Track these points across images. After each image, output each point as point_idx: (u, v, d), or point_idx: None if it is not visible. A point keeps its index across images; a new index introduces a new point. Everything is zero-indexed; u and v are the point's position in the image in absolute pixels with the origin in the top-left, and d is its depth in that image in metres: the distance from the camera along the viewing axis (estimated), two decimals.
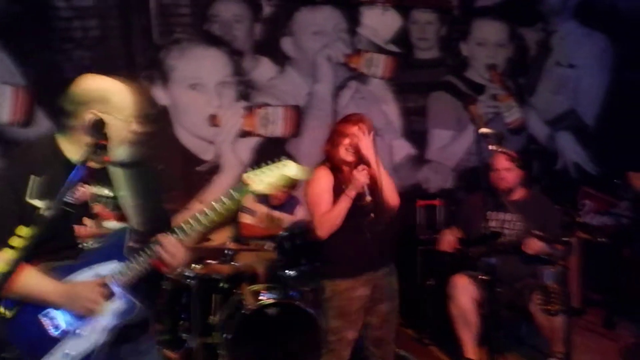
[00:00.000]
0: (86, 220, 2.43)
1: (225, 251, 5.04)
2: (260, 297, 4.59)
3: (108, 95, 2.45)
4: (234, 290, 4.80)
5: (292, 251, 4.80)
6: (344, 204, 3.78)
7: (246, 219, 5.52)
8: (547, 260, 4.68)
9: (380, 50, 6.67)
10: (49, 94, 5.51)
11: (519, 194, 4.97)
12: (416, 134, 6.85)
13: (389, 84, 6.72)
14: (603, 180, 7.02)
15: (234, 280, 4.90)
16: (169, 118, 5.99)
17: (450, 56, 6.94)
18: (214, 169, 6.17)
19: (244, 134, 6.25)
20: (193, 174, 6.10)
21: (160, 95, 5.95)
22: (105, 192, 2.50)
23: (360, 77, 6.63)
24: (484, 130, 3.07)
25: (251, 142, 6.27)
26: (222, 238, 5.02)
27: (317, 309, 4.41)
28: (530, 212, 4.84)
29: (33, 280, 2.32)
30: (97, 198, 2.48)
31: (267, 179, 2.55)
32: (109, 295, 2.42)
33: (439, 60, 6.91)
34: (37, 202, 2.29)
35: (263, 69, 6.32)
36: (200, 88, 6.10)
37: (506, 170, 4.83)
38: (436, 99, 6.90)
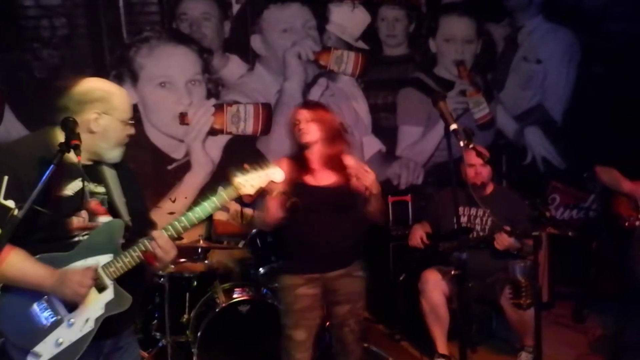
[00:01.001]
0: (81, 214, 2.53)
1: (198, 249, 5.03)
2: (233, 295, 4.61)
3: (109, 97, 2.59)
4: (207, 289, 4.81)
5: (263, 249, 4.80)
6: (267, 203, 3.68)
7: (220, 215, 5.52)
8: (517, 254, 4.74)
9: (349, 47, 6.69)
10: (18, 93, 5.54)
11: (488, 189, 5.04)
12: (386, 131, 6.87)
13: (359, 80, 6.74)
14: (571, 175, 7.13)
15: (206, 278, 4.91)
16: (139, 116, 5.95)
17: (419, 53, 6.97)
18: (185, 167, 6.15)
19: (214, 132, 6.22)
20: (163, 173, 6.08)
21: (130, 93, 5.86)
22: (99, 189, 2.62)
23: (330, 74, 6.63)
24: (454, 126, 3.08)
25: (221, 140, 6.25)
26: (193, 236, 5.01)
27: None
28: (499, 206, 4.90)
29: (26, 264, 2.39)
30: (92, 194, 2.57)
31: (256, 183, 2.78)
32: (100, 286, 2.50)
33: (407, 57, 6.93)
34: (9, 203, 2.35)
35: (233, 67, 6.30)
36: (169, 86, 6.07)
37: (482, 166, 4.87)
38: (405, 95, 6.92)
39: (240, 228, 5.48)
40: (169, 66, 6.07)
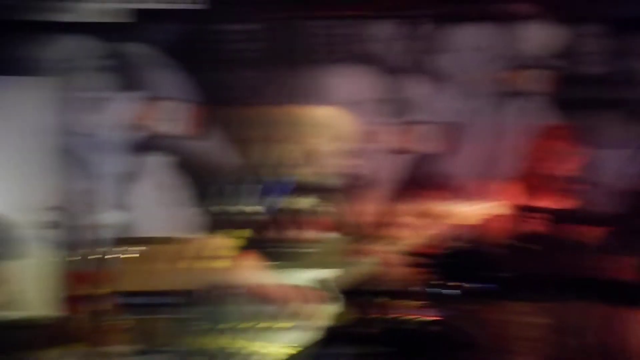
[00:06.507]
0: (308, 229, 2.64)
1: None
2: (418, 314, 4.56)
3: (330, 123, 2.71)
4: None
5: (454, 268, 4.71)
6: None
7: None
8: None
9: (540, 65, 6.50)
10: (219, 110, 5.85)
11: None
12: None
13: (551, 99, 6.48)
14: None
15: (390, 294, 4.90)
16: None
17: (621, 71, 6.59)
18: (369, 184, 6.22)
19: (399, 150, 6.26)
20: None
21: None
22: (324, 207, 2.75)
23: (520, 94, 6.48)
24: None
25: (406, 159, 6.27)
26: None
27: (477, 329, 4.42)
28: None
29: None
30: (317, 211, 2.73)
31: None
32: (324, 299, 2.69)
33: (607, 75, 6.58)
34: (248, 208, 2.49)
35: (418, 87, 6.36)
36: (355, 106, 6.19)
37: None
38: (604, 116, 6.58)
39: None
40: (355, 86, 6.17)
